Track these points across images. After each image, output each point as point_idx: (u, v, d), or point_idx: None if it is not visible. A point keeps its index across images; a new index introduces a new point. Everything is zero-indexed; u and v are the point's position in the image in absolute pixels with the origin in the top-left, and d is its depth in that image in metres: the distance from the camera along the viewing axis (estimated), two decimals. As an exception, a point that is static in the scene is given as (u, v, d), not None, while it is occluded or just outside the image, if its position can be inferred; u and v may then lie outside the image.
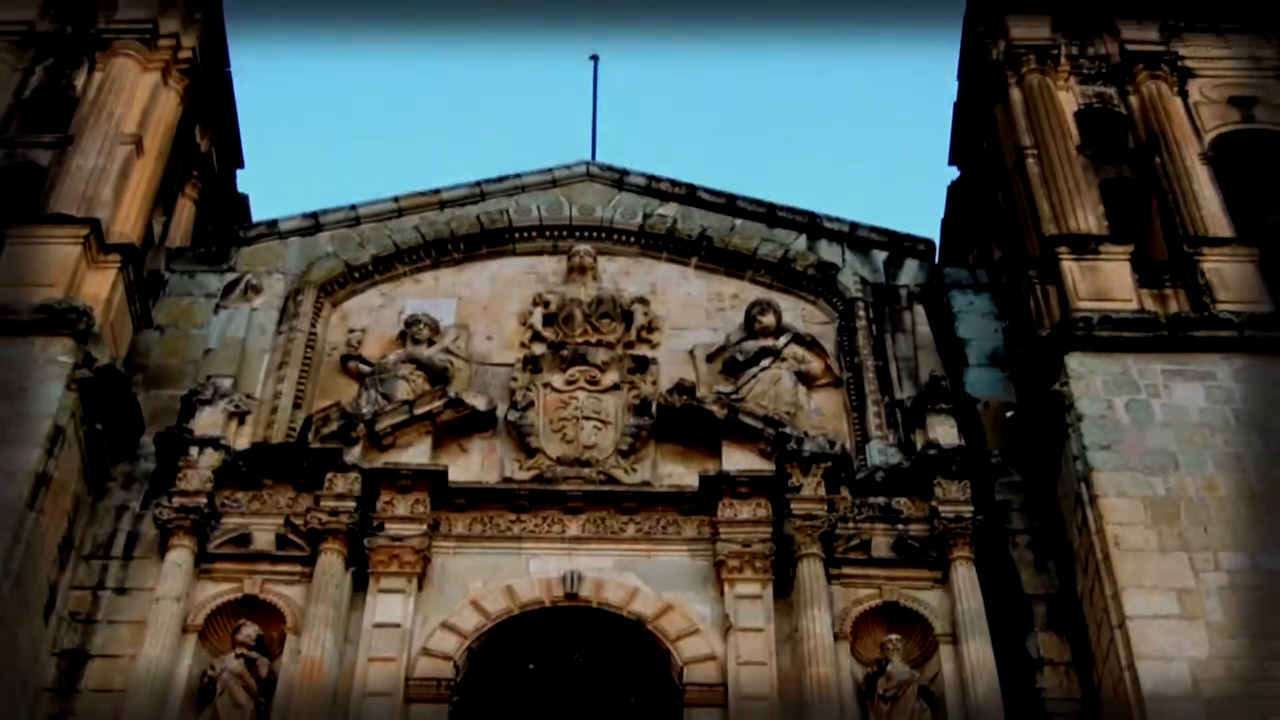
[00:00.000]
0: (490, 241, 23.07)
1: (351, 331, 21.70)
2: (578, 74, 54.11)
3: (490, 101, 66.57)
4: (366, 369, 20.98)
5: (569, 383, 20.60)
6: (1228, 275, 20.07)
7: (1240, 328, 19.15)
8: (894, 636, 17.72)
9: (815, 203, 27.03)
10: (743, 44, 64.20)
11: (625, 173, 23.95)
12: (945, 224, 27.10)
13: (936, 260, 23.14)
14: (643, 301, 22.03)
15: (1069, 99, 23.10)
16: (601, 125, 29.05)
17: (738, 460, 19.47)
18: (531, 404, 20.33)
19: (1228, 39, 23.84)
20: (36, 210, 20.55)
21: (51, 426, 17.80)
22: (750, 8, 63.21)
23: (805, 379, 20.99)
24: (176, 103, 22.93)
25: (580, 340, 21.25)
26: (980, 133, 24.60)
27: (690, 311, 22.20)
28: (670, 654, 17.81)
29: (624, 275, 22.69)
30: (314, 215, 23.05)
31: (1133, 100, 23.05)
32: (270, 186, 53.14)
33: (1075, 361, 18.94)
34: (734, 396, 20.27)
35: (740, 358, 21.06)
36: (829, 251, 22.78)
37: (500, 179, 23.76)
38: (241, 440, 19.51)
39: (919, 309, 21.79)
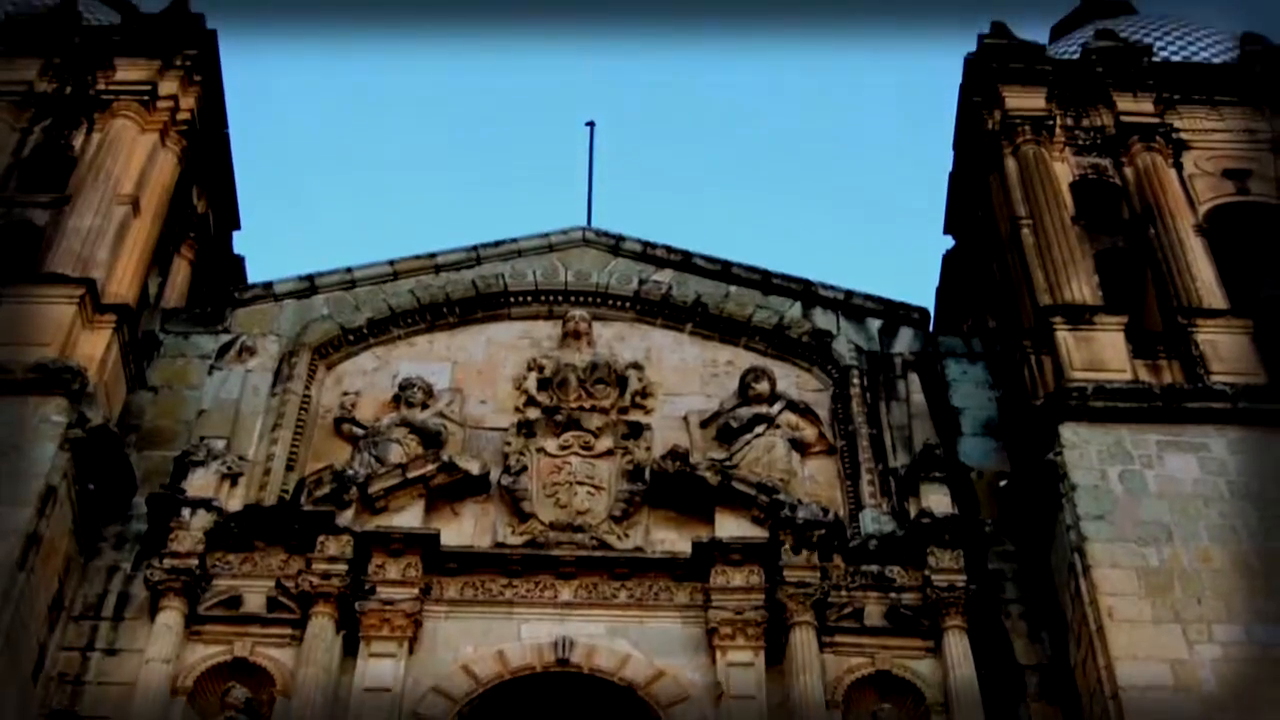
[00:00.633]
0: (485, 306, 23.09)
1: (345, 394, 21.66)
2: (574, 139, 54.30)
3: (487, 166, 67.04)
4: (360, 432, 20.96)
5: (563, 448, 20.57)
6: (1222, 347, 20.10)
7: (1234, 399, 19.16)
8: (886, 705, 17.69)
9: (811, 270, 27.19)
10: (741, 110, 64.80)
11: (621, 238, 23.99)
12: (940, 292, 27.17)
13: (931, 329, 23.19)
14: (637, 367, 22.03)
15: (1064, 170, 23.19)
16: (597, 190, 29.07)
17: (731, 527, 19.43)
18: (525, 468, 20.30)
19: (1222, 112, 23.98)
20: (33, 269, 20.54)
21: (43, 486, 17.72)
22: (749, 75, 63.79)
23: (799, 446, 20.95)
24: (174, 164, 22.93)
25: (574, 405, 21.24)
26: (975, 202, 24.66)
27: (684, 378, 22.20)
28: (661, 721, 17.73)
29: (619, 341, 22.70)
30: (309, 278, 23.07)
31: (1127, 171, 23.13)
32: (266, 248, 53.39)
33: (1069, 431, 18.92)
34: (727, 463, 20.24)
35: (734, 424, 21.04)
36: (824, 319, 22.82)
37: (496, 243, 23.79)
38: (234, 502, 19.46)
39: (913, 377, 21.74)
